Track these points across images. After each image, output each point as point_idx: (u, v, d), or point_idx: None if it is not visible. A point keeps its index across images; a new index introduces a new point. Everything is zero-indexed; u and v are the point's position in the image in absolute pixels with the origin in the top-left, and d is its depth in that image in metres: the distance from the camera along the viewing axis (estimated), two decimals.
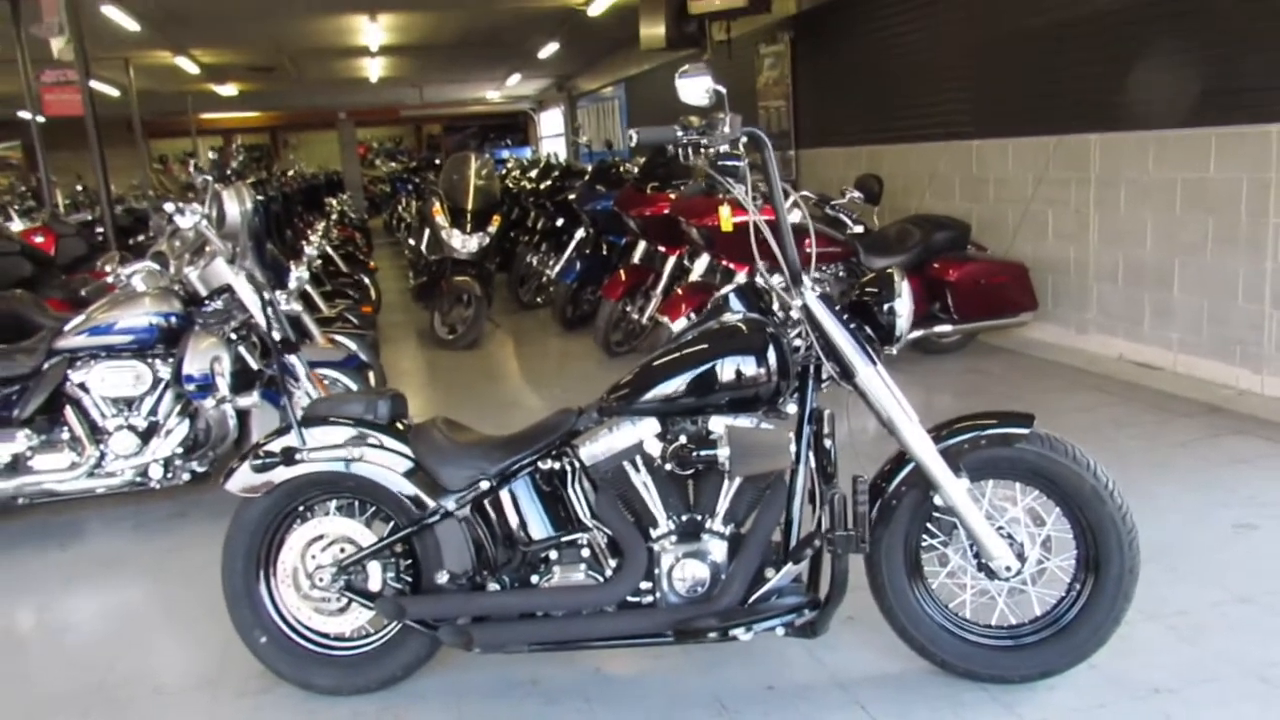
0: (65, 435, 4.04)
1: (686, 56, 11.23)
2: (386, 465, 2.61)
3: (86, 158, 7.09)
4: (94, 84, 15.74)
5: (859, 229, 5.75)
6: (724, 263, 5.89)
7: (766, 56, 10.32)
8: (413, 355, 7.77)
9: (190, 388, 3.98)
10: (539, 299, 9.19)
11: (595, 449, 2.52)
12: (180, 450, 4.05)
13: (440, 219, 7.96)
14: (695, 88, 2.25)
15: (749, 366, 2.41)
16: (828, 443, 2.46)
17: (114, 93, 16.28)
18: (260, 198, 5.34)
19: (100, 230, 7.17)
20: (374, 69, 17.32)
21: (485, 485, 2.54)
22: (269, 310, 4.07)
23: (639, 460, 2.50)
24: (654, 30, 10.32)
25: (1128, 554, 2.44)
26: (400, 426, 2.73)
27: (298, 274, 4.37)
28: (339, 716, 2.62)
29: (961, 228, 6.10)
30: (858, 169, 7.85)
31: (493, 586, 2.57)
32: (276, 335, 4.15)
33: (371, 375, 5.44)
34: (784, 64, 9.99)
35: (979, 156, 7.08)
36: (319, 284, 7.61)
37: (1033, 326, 6.42)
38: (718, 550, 2.47)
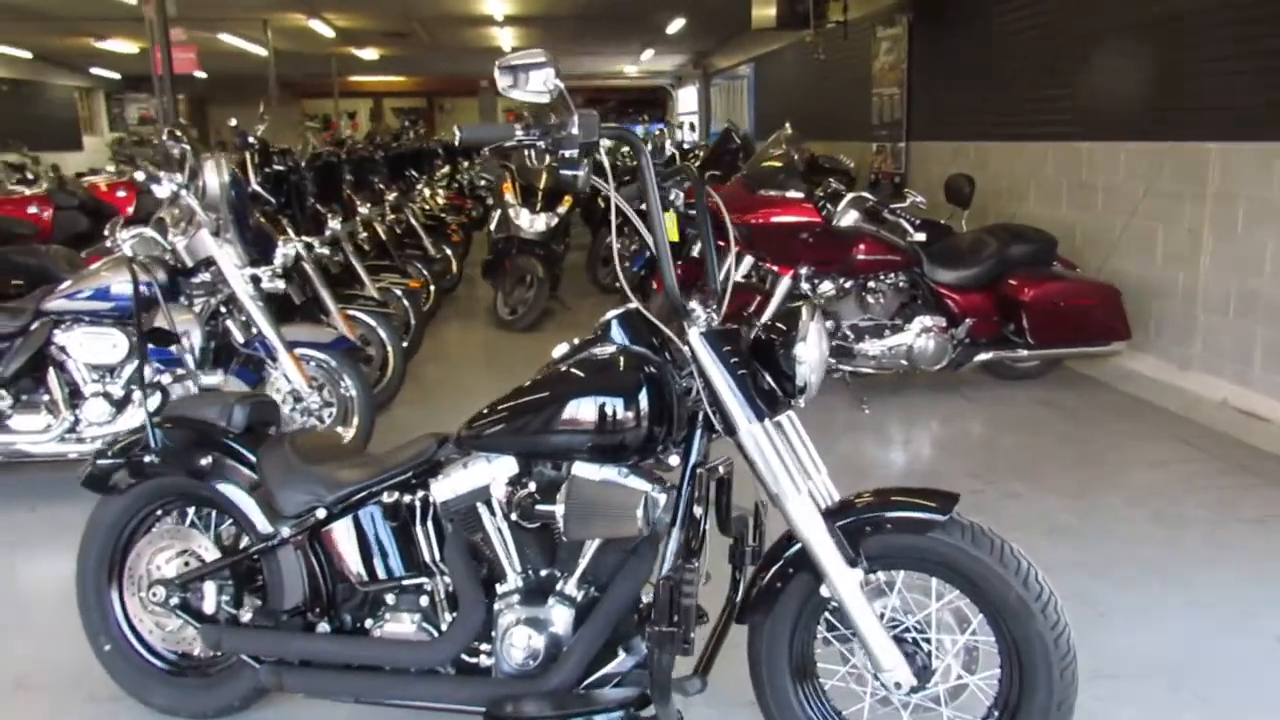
0: (45, 397, 4.04)
1: (799, 38, 10.64)
2: (231, 480, 2.38)
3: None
4: (239, 43, 16.47)
5: (920, 236, 5.18)
6: (769, 265, 5.44)
7: (883, 40, 9.63)
8: (468, 333, 7.63)
9: (156, 360, 3.90)
10: (617, 284, 8.89)
11: (447, 485, 2.20)
12: None
13: (509, 197, 7.77)
14: (531, 80, 1.85)
15: (614, 408, 2.03)
16: (697, 510, 2.06)
17: (261, 52, 16.93)
18: (276, 169, 5.27)
19: None
20: (505, 39, 17.33)
21: (321, 514, 2.27)
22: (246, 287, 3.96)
23: (494, 503, 2.18)
24: (765, 11, 9.79)
25: (1058, 685, 1.94)
26: (271, 434, 2.50)
27: (284, 250, 4.21)
28: None
29: (1046, 241, 5.43)
30: (964, 166, 7.20)
31: (323, 627, 2.31)
32: (258, 315, 4.03)
33: (391, 355, 5.31)
34: (900, 49, 9.29)
35: (1089, 161, 6.31)
36: (384, 255, 7.55)
37: (1130, 356, 5.68)
38: (561, 619, 2.12)
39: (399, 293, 6.47)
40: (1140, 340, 5.59)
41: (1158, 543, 3.52)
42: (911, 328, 5.25)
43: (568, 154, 1.85)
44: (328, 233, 5.27)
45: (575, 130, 1.85)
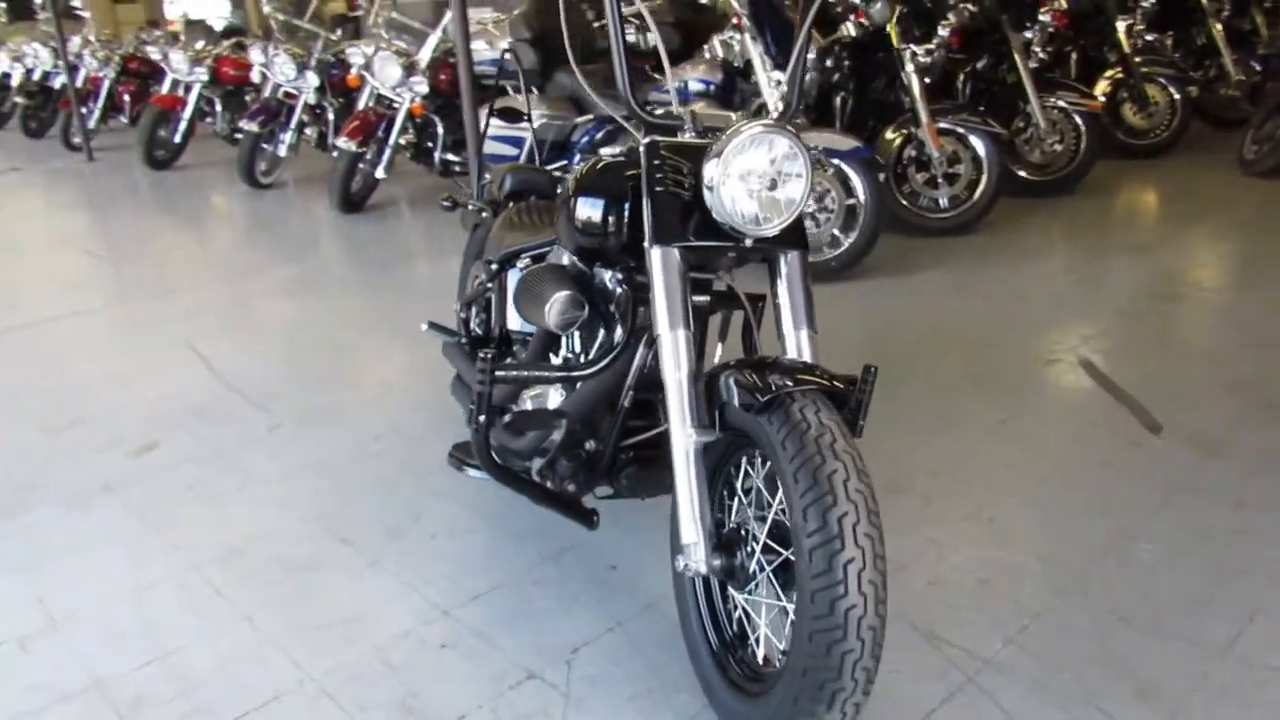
0: None
1: None
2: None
3: None
4: None
5: None
6: None
7: None
8: (1176, 172, 6.33)
9: None
10: None
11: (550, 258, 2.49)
12: None
13: None
14: None
15: (595, 210, 2.02)
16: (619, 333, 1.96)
17: None
18: None
19: None
20: None
21: (494, 268, 2.73)
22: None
23: None
24: None
25: (803, 648, 1.45)
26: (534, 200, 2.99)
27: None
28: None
29: None
30: None
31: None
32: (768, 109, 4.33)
33: (985, 178, 5.00)
34: None
35: None
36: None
37: None
38: (554, 392, 2.28)
39: (1076, 116, 5.87)
40: None
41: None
42: None
43: None
44: (935, 41, 5.07)
45: None
